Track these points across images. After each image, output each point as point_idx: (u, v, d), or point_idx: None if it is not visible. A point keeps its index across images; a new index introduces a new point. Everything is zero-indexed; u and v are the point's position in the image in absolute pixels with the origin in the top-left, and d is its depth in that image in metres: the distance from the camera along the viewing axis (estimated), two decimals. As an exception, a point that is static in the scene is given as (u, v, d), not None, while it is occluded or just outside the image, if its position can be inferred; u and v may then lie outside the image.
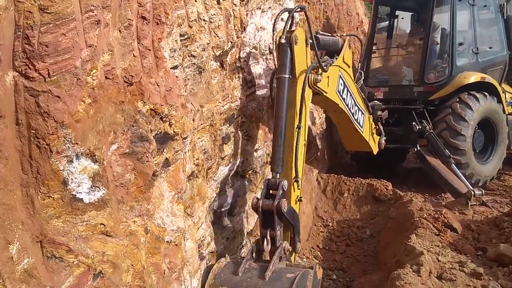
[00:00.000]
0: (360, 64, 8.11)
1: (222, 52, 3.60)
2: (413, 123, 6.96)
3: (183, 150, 2.88)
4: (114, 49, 2.23)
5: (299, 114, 3.68)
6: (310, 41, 3.92)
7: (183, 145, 2.85)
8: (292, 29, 3.75)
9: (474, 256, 4.14)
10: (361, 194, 6.46)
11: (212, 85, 3.49)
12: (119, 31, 2.30)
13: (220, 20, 3.49)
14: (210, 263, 3.35)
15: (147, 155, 2.40)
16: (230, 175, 3.98)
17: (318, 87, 4.05)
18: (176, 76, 2.85)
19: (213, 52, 3.46)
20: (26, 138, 1.86)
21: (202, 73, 3.30)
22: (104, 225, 2.10)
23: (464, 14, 7.52)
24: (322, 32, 4.76)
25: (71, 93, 1.94)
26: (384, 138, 6.23)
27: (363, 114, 5.55)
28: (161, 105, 2.57)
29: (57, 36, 1.87)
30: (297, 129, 3.63)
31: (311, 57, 4.07)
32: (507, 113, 7.73)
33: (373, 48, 8.36)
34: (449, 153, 6.58)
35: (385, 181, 6.57)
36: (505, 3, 7.92)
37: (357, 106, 5.31)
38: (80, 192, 2.00)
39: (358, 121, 5.40)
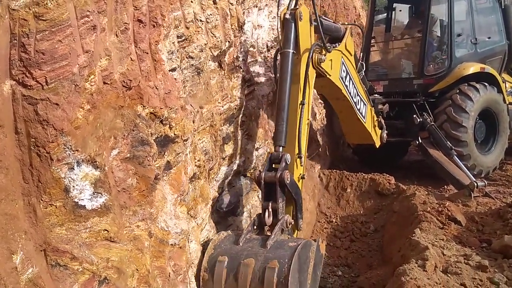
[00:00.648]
0: (360, 57, 8.08)
1: (220, 52, 3.58)
2: (414, 116, 6.93)
3: (184, 152, 2.87)
4: (111, 53, 2.22)
5: (303, 90, 3.66)
6: (315, 23, 3.93)
7: (184, 147, 2.84)
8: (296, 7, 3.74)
9: (479, 249, 4.13)
10: (364, 189, 6.43)
11: (211, 86, 3.47)
12: (116, 35, 2.28)
13: (217, 20, 3.47)
14: None
15: (148, 159, 2.39)
16: (232, 175, 3.97)
17: (322, 68, 4.05)
18: (175, 78, 2.84)
19: (211, 52, 3.45)
20: (26, 146, 1.85)
21: (201, 74, 3.29)
22: (108, 231, 2.10)
23: (462, 5, 7.47)
24: (325, 17, 4.75)
25: (69, 100, 1.93)
26: (386, 131, 6.21)
27: (365, 105, 5.51)
28: (161, 108, 2.56)
29: (54, 43, 1.86)
30: (300, 105, 3.61)
31: (315, 39, 4.06)
32: (507, 102, 7.70)
33: (372, 41, 8.33)
34: (450, 145, 6.56)
35: (388, 175, 6.53)
36: (502, -8, 7.87)
37: (359, 96, 5.28)
38: (82, 199, 1.99)
39: (361, 111, 5.36)
